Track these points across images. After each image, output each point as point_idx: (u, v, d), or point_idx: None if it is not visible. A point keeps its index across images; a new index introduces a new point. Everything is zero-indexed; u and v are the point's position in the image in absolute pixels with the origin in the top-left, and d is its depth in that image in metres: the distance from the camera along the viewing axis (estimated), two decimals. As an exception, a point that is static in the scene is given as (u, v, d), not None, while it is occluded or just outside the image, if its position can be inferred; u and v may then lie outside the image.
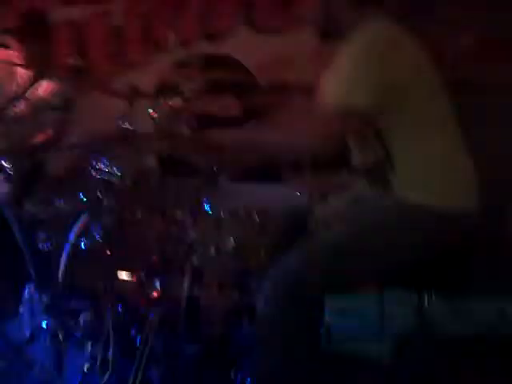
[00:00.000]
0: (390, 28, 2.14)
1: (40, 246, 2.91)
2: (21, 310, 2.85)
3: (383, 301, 2.48)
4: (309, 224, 2.37)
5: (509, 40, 3.40)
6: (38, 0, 4.09)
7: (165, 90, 3.02)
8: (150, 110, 2.43)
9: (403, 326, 2.42)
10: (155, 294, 2.53)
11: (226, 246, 2.61)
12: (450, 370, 2.26)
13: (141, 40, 4.16)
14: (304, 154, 2.33)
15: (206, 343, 2.50)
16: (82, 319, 2.58)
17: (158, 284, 2.55)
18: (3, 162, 3.01)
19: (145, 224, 2.73)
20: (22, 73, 3.55)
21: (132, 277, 2.62)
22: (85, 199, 2.77)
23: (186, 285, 2.51)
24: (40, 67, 3.55)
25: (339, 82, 2.07)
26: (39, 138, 3.41)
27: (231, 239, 2.60)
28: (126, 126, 2.57)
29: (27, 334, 2.67)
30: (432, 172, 2.10)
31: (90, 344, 2.47)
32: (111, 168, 2.72)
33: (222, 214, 2.65)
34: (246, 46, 3.80)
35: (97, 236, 2.65)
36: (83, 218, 2.72)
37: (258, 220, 2.54)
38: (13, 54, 3.54)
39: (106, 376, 2.39)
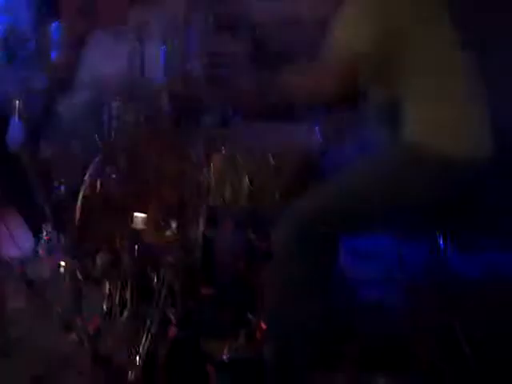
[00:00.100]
0: None
1: (55, 188, 2.92)
2: (39, 250, 2.90)
3: (398, 244, 2.47)
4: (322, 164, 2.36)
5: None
6: None
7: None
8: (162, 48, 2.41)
9: (418, 269, 2.42)
10: (171, 235, 2.55)
11: (241, 186, 2.60)
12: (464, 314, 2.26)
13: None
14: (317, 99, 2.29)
15: (221, 284, 2.52)
16: (99, 260, 2.61)
17: (174, 224, 2.56)
18: (17, 105, 2.99)
19: (160, 164, 2.72)
20: None
21: (147, 217, 2.63)
22: (99, 140, 2.77)
23: (201, 225, 2.53)
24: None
25: (344, 26, 2.06)
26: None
27: (246, 179, 2.59)
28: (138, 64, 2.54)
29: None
30: (443, 119, 2.07)
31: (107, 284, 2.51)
32: (124, 108, 2.70)
33: (236, 153, 2.63)
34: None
35: (112, 176, 2.66)
36: (98, 159, 2.72)
37: (272, 161, 2.52)
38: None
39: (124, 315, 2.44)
